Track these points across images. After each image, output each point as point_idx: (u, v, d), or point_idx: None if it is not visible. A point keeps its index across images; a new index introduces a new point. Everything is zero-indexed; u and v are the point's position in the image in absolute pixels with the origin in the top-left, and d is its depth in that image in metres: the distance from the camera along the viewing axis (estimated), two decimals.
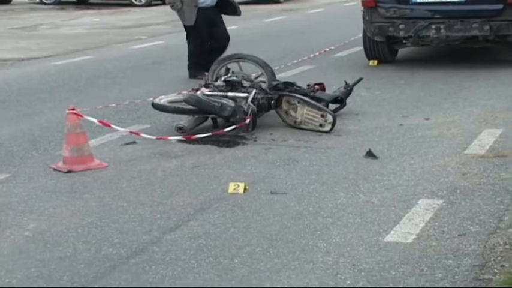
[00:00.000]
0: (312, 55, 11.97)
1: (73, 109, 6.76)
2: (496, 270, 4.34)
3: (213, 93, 8.04)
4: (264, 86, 8.32)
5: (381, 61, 11.75)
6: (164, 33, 17.84)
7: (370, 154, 6.72)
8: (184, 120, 7.80)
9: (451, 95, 9.26)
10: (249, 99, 7.79)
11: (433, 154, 6.74)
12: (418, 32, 11.03)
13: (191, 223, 5.27)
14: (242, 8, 11.82)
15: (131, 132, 7.41)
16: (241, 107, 7.68)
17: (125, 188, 6.10)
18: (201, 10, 10.56)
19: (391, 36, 11.42)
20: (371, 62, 11.78)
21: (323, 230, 5.06)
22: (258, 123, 7.78)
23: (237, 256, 4.68)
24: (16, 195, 6.01)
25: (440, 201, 5.47)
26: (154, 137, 7.27)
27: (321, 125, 7.66)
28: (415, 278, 4.30)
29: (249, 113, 7.61)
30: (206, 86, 8.38)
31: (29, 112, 9.06)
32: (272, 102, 7.99)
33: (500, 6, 10.68)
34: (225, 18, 11.01)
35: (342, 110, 8.34)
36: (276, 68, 10.18)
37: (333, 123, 7.60)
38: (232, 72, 8.59)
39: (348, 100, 8.49)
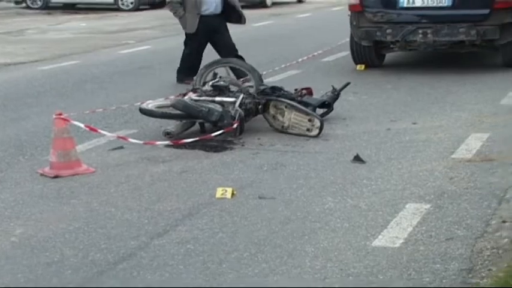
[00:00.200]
0: (300, 59, 11.98)
1: (60, 114, 6.74)
2: (483, 274, 4.35)
3: (201, 98, 8.04)
4: (251, 90, 8.32)
5: (368, 66, 11.77)
6: (151, 38, 17.83)
7: (357, 159, 6.72)
8: (171, 125, 7.78)
9: (438, 100, 9.29)
10: (237, 104, 7.79)
11: (421, 158, 6.75)
12: (405, 36, 11.07)
13: (179, 228, 5.26)
14: None
15: (118, 137, 7.39)
16: (229, 111, 7.68)
17: (112, 193, 6.08)
18: (203, 18, 10.43)
19: (379, 41, 11.46)
20: (358, 67, 11.80)
21: (311, 234, 5.06)
22: (245, 128, 7.78)
23: (225, 261, 4.68)
24: (2, 200, 5.99)
25: (428, 206, 5.48)
26: (141, 142, 7.26)
27: (308, 130, 7.67)
28: (402, 283, 4.30)
29: (237, 117, 7.61)
30: (194, 90, 8.37)
31: (16, 117, 9.03)
32: (259, 106, 7.99)
33: (486, 11, 10.73)
34: None
35: (330, 115, 8.35)
36: (264, 72, 10.20)
37: (321, 128, 7.61)
38: (220, 77, 8.59)
39: (336, 105, 8.50)
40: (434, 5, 10.97)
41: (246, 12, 11.42)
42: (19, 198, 6.03)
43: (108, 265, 4.67)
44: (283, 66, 11.47)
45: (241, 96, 7.92)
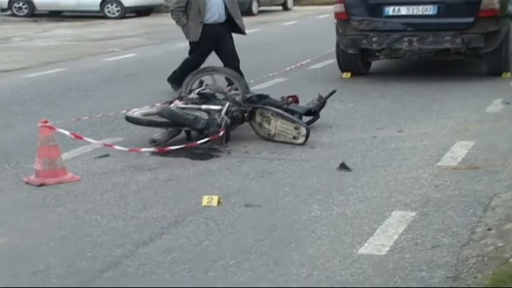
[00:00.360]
0: (287, 68, 12.00)
1: (46, 122, 6.72)
2: (469, 282, 4.36)
3: (187, 106, 8.04)
4: (237, 98, 8.32)
5: (354, 73, 11.81)
6: (137, 46, 17.82)
7: (343, 166, 6.73)
8: (158, 133, 7.77)
9: (424, 108, 9.32)
10: (223, 112, 7.79)
11: (406, 166, 6.76)
12: (390, 44, 11.11)
13: (165, 236, 5.25)
14: None
15: (104, 144, 7.38)
16: (215, 119, 7.68)
17: (98, 201, 6.06)
18: (206, 27, 10.31)
19: (364, 49, 11.49)
20: (344, 75, 11.83)
21: (297, 242, 5.05)
22: (231, 136, 7.78)
23: (211, 269, 4.67)
24: None
25: (414, 213, 5.49)
26: (127, 149, 7.25)
27: (294, 138, 7.67)
28: None
29: (223, 125, 7.61)
30: (180, 98, 8.37)
31: (1, 125, 9.00)
32: (246, 114, 7.99)
33: (471, 20, 10.79)
34: None
35: (316, 123, 8.37)
36: (251, 81, 10.22)
37: (307, 136, 7.61)
38: (206, 85, 8.60)
39: (322, 112, 8.51)
40: (420, 13, 11.02)
41: None
42: (4, 206, 6.01)
43: (94, 273, 4.65)
44: (270, 74, 11.48)
45: (228, 104, 7.93)
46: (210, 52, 10.60)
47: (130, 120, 8.00)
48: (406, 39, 11.03)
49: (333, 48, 12.07)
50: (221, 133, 7.54)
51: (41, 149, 6.66)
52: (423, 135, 7.86)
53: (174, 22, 10.78)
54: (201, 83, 8.68)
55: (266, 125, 7.87)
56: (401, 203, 5.75)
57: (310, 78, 11.84)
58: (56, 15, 27.42)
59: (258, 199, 5.96)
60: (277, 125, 7.78)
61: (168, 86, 10.66)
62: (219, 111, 7.83)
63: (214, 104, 8.02)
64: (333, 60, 12.25)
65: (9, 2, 27.41)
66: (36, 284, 4.53)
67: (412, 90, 10.45)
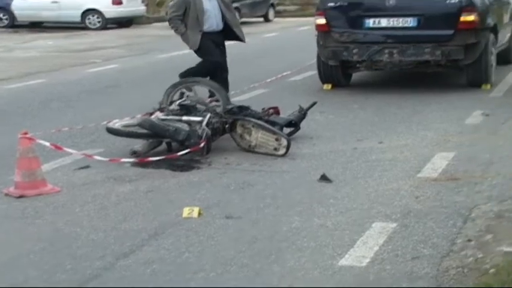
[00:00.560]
0: (268, 79, 12.01)
1: (25, 133, 6.69)
2: None
3: (168, 117, 8.03)
4: (218, 109, 8.32)
5: (335, 85, 11.84)
6: (119, 57, 17.79)
7: (324, 178, 6.74)
8: (138, 144, 7.76)
9: (405, 119, 9.35)
10: (204, 123, 7.78)
11: (387, 177, 6.78)
12: (371, 56, 11.17)
13: (145, 248, 5.23)
14: None
15: (84, 154, 7.36)
16: (196, 131, 7.67)
17: (78, 213, 6.03)
18: (206, 35, 10.23)
19: (345, 61, 11.54)
20: (325, 86, 11.86)
21: (278, 254, 5.05)
22: (212, 147, 7.77)
23: (192, 281, 4.66)
24: None
25: (394, 225, 5.50)
26: (107, 159, 7.23)
27: (275, 149, 7.68)
28: None
29: (204, 137, 7.60)
30: (161, 110, 8.36)
31: None
32: (227, 126, 7.99)
33: (451, 32, 10.86)
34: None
35: (297, 134, 8.37)
36: (232, 92, 10.22)
37: (288, 147, 7.62)
38: (187, 96, 8.59)
39: (303, 124, 8.52)
40: (400, 25, 11.08)
41: None
42: None
43: (74, 286, 4.62)
44: (251, 86, 11.49)
45: (208, 115, 7.92)
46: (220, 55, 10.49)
47: (111, 131, 7.99)
48: (386, 51, 11.09)
49: (314, 60, 12.10)
50: (202, 144, 7.53)
51: (21, 161, 6.62)
52: (404, 147, 7.89)
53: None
54: (182, 95, 8.68)
55: (247, 137, 7.87)
56: (382, 214, 5.76)
57: (291, 89, 11.87)
58: (37, 26, 27.35)
59: (238, 211, 5.96)
60: (258, 137, 7.79)
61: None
62: (200, 122, 7.83)
63: (195, 115, 8.01)
64: (314, 72, 12.28)
65: None
66: None
67: (393, 102, 10.49)
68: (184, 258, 5.03)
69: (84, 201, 6.31)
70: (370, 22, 11.24)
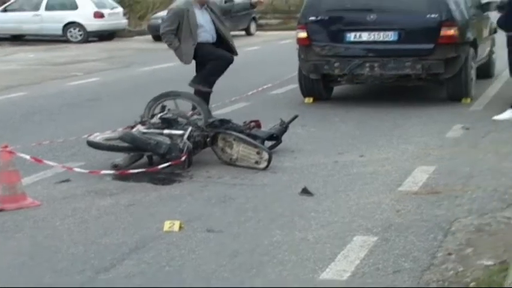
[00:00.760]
0: (250, 92, 12.03)
1: (6, 146, 6.65)
2: None
3: (149, 130, 8.01)
4: (200, 123, 8.32)
5: (317, 98, 11.87)
6: (100, 70, 17.76)
7: (305, 191, 6.74)
8: (119, 158, 7.74)
9: (386, 133, 9.39)
10: (185, 137, 7.78)
11: (368, 191, 6.79)
12: (352, 70, 11.21)
13: (126, 262, 5.20)
14: None
15: (64, 166, 7.33)
16: (177, 144, 7.66)
17: (58, 227, 6.00)
18: (201, 45, 10.18)
19: (326, 74, 11.57)
20: (306, 100, 11.89)
21: (259, 267, 5.04)
22: (194, 161, 7.76)
23: None
24: None
25: (375, 238, 5.51)
26: (86, 171, 7.21)
27: (256, 162, 7.68)
28: None
29: (185, 150, 7.59)
30: (142, 123, 8.34)
31: None
32: (208, 139, 7.99)
33: (431, 46, 10.92)
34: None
35: (278, 147, 8.38)
36: (213, 105, 10.21)
37: (269, 160, 7.62)
38: (169, 110, 8.59)
39: (284, 137, 8.53)
40: (381, 39, 11.14)
41: None
42: None
43: None
44: (233, 99, 11.50)
45: (190, 128, 7.92)
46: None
47: (92, 144, 7.96)
48: (367, 64, 11.14)
49: (295, 73, 12.13)
50: (183, 158, 7.52)
51: (1, 174, 6.58)
52: (385, 160, 7.91)
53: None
54: (163, 108, 8.67)
55: (228, 150, 7.87)
56: (363, 227, 5.77)
57: (273, 103, 11.88)
58: (18, 39, 27.26)
59: (220, 224, 5.95)
60: (239, 150, 7.79)
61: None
62: (181, 136, 7.82)
63: (177, 128, 8.01)
64: (295, 85, 12.31)
65: None
66: None
67: (374, 115, 10.53)
68: (165, 272, 5.01)
69: (64, 215, 6.28)
70: (351, 36, 11.29)
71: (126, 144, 7.71)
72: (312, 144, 8.84)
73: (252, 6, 11.29)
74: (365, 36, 11.21)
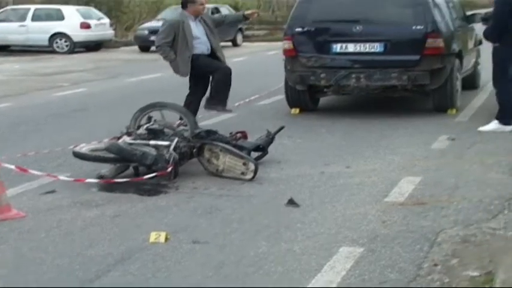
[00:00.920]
0: (236, 103, 12.02)
1: None
2: None
3: (135, 141, 8.00)
4: (186, 134, 8.31)
5: (303, 109, 11.90)
6: (86, 81, 17.75)
7: (291, 202, 6.74)
8: (105, 169, 7.71)
9: (372, 144, 9.40)
10: (171, 148, 7.77)
11: (354, 202, 6.80)
12: (338, 81, 11.23)
13: (111, 274, 5.18)
14: None
15: (48, 175, 7.30)
16: (163, 155, 7.65)
17: (43, 239, 5.97)
18: (195, 57, 10.15)
19: (313, 85, 11.60)
20: (293, 111, 11.91)
21: (245, 279, 5.03)
22: (180, 172, 7.75)
23: None
24: None
25: (361, 249, 5.50)
26: (71, 179, 7.18)
27: (243, 173, 7.67)
28: None
29: (171, 161, 7.58)
30: (128, 134, 8.33)
31: None
32: (194, 150, 7.98)
33: (417, 57, 10.97)
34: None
35: (264, 158, 8.38)
36: (200, 116, 10.21)
37: (255, 171, 7.62)
38: (155, 121, 8.58)
39: (270, 148, 8.53)
40: (367, 50, 11.17)
41: None
42: None
43: None
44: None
45: (176, 139, 7.91)
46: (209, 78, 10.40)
47: (78, 155, 7.94)
48: (353, 75, 11.16)
49: (282, 84, 12.15)
50: (169, 169, 7.51)
51: None
52: (371, 171, 7.92)
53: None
54: (149, 119, 8.67)
55: (215, 161, 7.87)
56: (349, 239, 5.77)
57: (259, 114, 11.89)
58: (4, 49, 27.20)
59: (206, 235, 5.93)
60: (225, 161, 7.78)
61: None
62: (168, 147, 7.81)
63: (163, 139, 8.00)
64: (282, 96, 12.33)
65: None
66: None
67: (360, 126, 10.55)
68: (151, 283, 4.99)
69: (49, 227, 6.25)
70: (338, 47, 11.32)
71: (112, 155, 7.69)
72: (299, 155, 8.85)
73: (246, 18, 11.26)
74: (351, 47, 11.24)
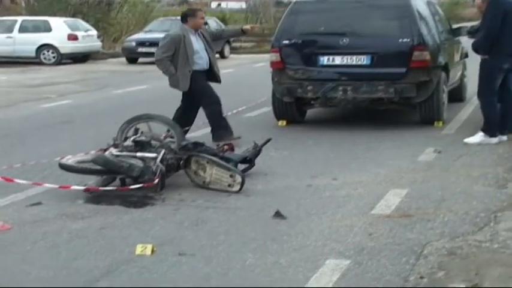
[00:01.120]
0: (223, 115, 12.00)
1: None
2: None
3: (122, 153, 7.99)
4: (173, 146, 8.30)
5: (290, 121, 11.91)
6: (73, 92, 17.71)
7: (278, 214, 6.74)
8: (92, 181, 7.69)
9: (359, 156, 9.42)
10: (158, 160, 7.75)
11: (341, 214, 6.80)
12: (325, 93, 11.25)
13: (97, 286, 5.16)
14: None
15: (34, 183, 7.27)
16: (150, 167, 7.63)
17: (28, 251, 5.93)
18: (196, 73, 10.16)
19: (300, 97, 11.61)
20: (280, 123, 11.92)
21: None
22: (166, 184, 7.73)
23: None
24: None
25: (348, 262, 5.50)
26: (57, 186, 7.16)
27: (229, 185, 7.67)
28: None
29: (158, 173, 7.57)
30: (115, 146, 8.32)
31: None
32: (181, 162, 7.97)
33: (403, 70, 11.00)
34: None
35: (251, 170, 8.38)
36: (186, 128, 10.19)
37: (242, 184, 7.62)
38: (142, 133, 8.57)
39: (257, 160, 8.53)
40: (354, 63, 11.20)
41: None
42: None
43: None
44: (206, 121, 11.47)
45: (163, 151, 7.90)
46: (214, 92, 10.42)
47: (64, 167, 7.91)
48: (340, 88, 11.18)
49: (269, 96, 12.17)
50: (156, 181, 7.50)
51: None
52: (358, 183, 7.93)
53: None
54: (136, 131, 8.65)
55: (201, 173, 7.86)
56: (336, 251, 5.77)
57: (246, 125, 11.89)
58: None
59: (192, 248, 5.92)
60: (212, 173, 7.77)
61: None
62: (154, 159, 7.80)
63: (150, 151, 7.99)
64: (269, 108, 12.34)
65: None
66: None
67: (347, 139, 10.57)
68: None
69: (35, 239, 6.22)
70: (325, 60, 11.35)
71: (98, 167, 7.67)
72: (285, 167, 8.85)
73: (243, 32, 11.26)
74: (338, 60, 11.27)
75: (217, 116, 10.37)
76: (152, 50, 26.63)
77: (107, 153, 8.00)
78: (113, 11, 37.06)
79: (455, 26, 14.23)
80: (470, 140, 9.97)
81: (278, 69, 11.59)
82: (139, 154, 7.91)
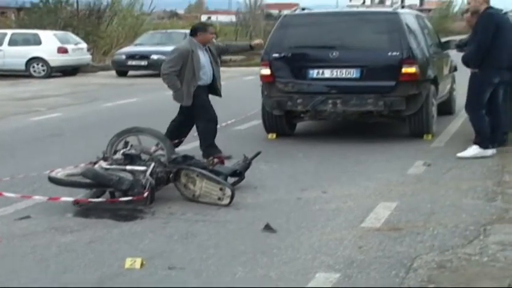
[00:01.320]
0: None
1: None
2: None
3: (111, 166, 7.97)
4: (163, 159, 8.29)
5: (280, 134, 11.93)
6: (63, 105, 17.68)
7: (268, 228, 6.73)
8: (81, 194, 7.68)
9: (348, 169, 9.43)
10: (148, 173, 7.74)
11: (331, 227, 6.80)
12: (315, 106, 11.28)
13: None
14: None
15: (23, 196, 7.24)
16: (140, 180, 7.62)
17: (17, 265, 5.91)
18: (200, 89, 10.14)
19: (290, 111, 11.63)
20: (270, 136, 11.94)
21: None
22: (156, 197, 7.72)
23: None
24: None
25: (337, 275, 5.50)
26: (46, 198, 7.13)
27: (219, 199, 7.66)
28: None
29: (147, 186, 7.55)
30: (104, 159, 8.30)
31: None
32: (171, 175, 7.97)
33: (393, 83, 11.04)
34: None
35: (241, 183, 8.38)
36: (176, 141, 10.19)
37: (232, 197, 7.61)
38: (131, 146, 8.56)
39: (247, 173, 8.53)
40: (343, 76, 11.23)
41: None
42: None
43: None
44: (195, 135, 11.46)
45: (153, 165, 7.89)
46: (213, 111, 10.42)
47: (53, 180, 7.88)
48: (330, 101, 11.21)
49: (259, 109, 12.18)
50: (145, 194, 7.49)
51: None
52: (347, 197, 7.94)
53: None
54: (126, 144, 8.64)
55: (191, 186, 7.85)
56: (325, 264, 5.76)
57: (236, 138, 11.90)
58: None
59: (182, 261, 5.91)
60: (202, 186, 7.77)
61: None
62: (144, 172, 7.79)
63: (139, 164, 7.98)
64: (259, 121, 12.36)
65: None
66: None
67: (337, 152, 10.58)
68: None
69: (24, 253, 6.20)
70: (314, 73, 11.38)
71: (88, 181, 7.66)
72: (275, 180, 8.85)
73: (251, 48, 11.24)
74: (328, 73, 11.31)
75: (210, 134, 10.34)
76: (142, 63, 26.90)
77: (96, 166, 7.98)
78: (102, 24, 37.10)
79: (444, 39, 14.30)
80: (464, 153, 9.93)
81: (268, 82, 11.61)
82: (129, 167, 7.90)
